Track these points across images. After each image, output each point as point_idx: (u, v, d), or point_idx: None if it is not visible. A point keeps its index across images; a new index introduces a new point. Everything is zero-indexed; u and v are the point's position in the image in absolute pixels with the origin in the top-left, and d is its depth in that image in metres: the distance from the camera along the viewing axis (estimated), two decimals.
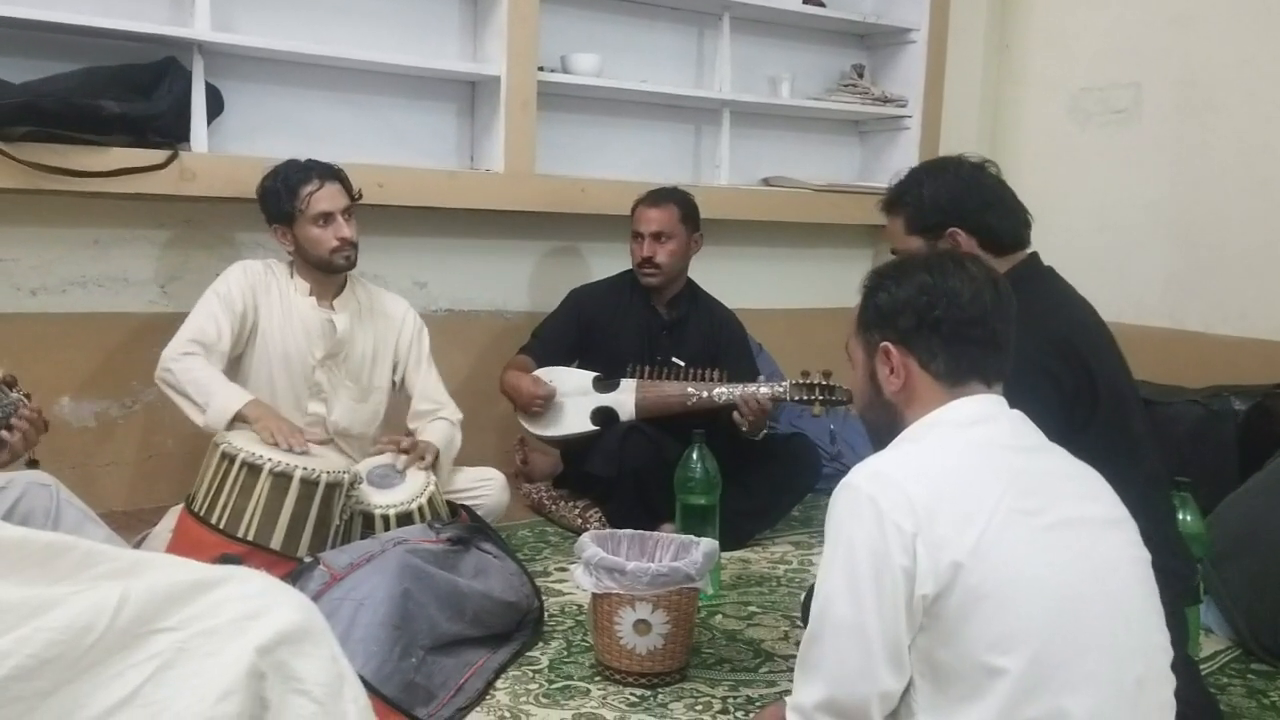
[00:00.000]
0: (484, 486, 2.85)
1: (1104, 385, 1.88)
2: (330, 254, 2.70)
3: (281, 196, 2.69)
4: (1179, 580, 1.90)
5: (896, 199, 2.05)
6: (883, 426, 1.50)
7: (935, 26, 4.24)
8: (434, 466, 2.72)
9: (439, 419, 2.87)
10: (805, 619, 1.50)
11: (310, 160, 2.75)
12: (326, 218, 2.68)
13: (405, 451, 2.67)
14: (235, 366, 2.71)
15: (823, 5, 4.08)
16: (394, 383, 2.94)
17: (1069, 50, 4.28)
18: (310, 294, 2.77)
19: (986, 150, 4.52)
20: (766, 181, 4.16)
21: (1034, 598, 1.27)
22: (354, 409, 2.84)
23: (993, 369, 1.45)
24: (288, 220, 2.70)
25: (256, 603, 1.18)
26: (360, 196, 2.81)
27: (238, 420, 2.50)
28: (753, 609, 2.59)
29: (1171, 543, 1.91)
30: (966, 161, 2.03)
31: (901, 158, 4.30)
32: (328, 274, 2.77)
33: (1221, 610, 2.48)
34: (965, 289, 1.43)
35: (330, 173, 2.73)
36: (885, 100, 4.25)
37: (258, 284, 2.73)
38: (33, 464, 2.19)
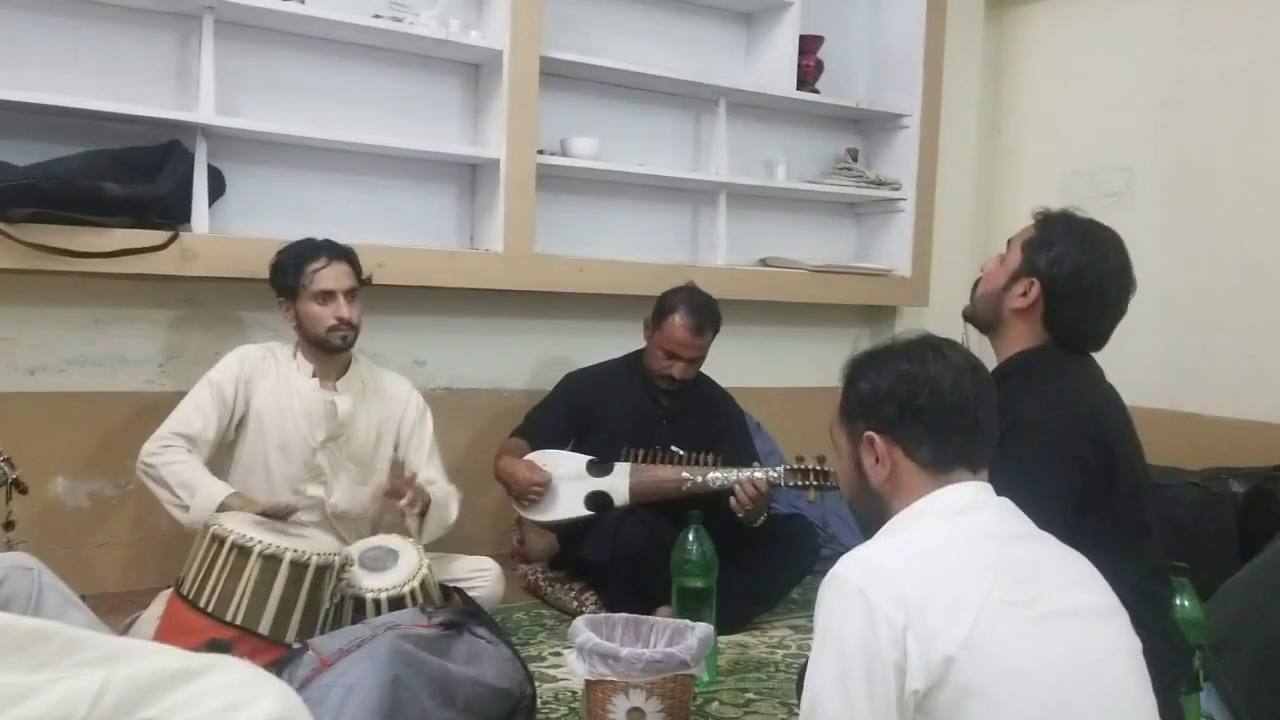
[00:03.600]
0: (479, 577, 2.82)
1: (1124, 470, 1.88)
2: (326, 332, 2.72)
3: (288, 270, 2.72)
4: (1174, 668, 1.88)
5: (1051, 222, 2.01)
6: (871, 515, 1.49)
7: (928, 111, 4.30)
8: (423, 516, 2.70)
9: (439, 486, 2.86)
10: (800, 700, 1.47)
11: (324, 240, 2.79)
12: (327, 295, 2.71)
13: (408, 485, 2.67)
14: (229, 453, 2.70)
15: (816, 91, 4.15)
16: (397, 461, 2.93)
17: (1060, 134, 4.36)
18: (313, 375, 2.78)
19: (981, 232, 4.59)
20: (763, 262, 4.19)
21: (1027, 692, 1.25)
22: (354, 491, 2.83)
23: (978, 455, 1.45)
24: (291, 294, 2.73)
25: (238, 693, 1.16)
26: (370, 280, 2.83)
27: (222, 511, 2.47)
28: (750, 695, 2.55)
29: (1168, 631, 1.90)
30: (1113, 265, 1.97)
31: (896, 239, 4.36)
32: (325, 352, 2.78)
33: (1222, 697, 2.44)
34: (946, 376, 1.43)
35: (340, 252, 2.76)
36: (879, 183, 4.30)
37: (254, 371, 2.74)
38: (8, 525, 2.17)
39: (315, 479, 2.77)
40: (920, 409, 1.43)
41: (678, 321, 3.12)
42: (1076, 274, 1.95)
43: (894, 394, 1.45)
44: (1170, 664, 1.83)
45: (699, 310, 3.14)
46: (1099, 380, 2.01)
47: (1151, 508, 1.97)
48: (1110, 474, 1.86)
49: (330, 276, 2.72)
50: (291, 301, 2.74)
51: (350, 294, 2.74)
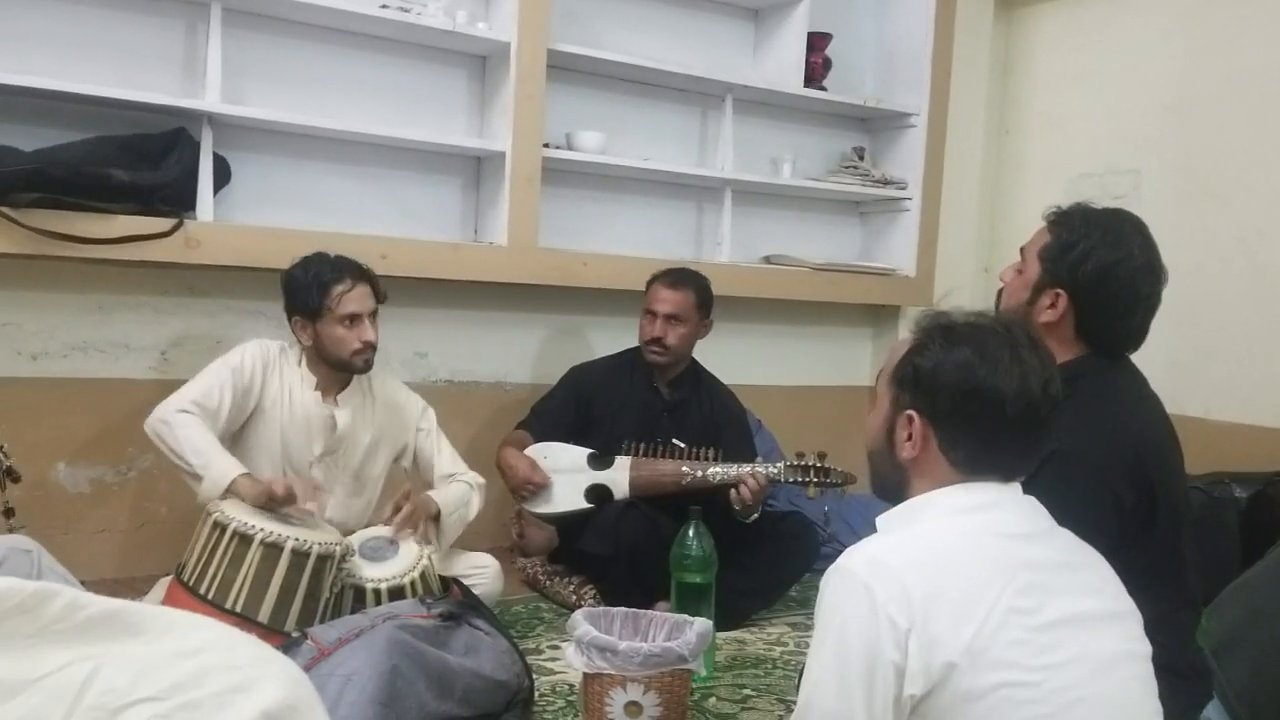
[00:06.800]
0: (479, 574, 2.81)
1: (1163, 504, 1.79)
2: (351, 356, 2.68)
3: (311, 291, 2.64)
4: (1197, 696, 1.85)
5: (1066, 223, 1.86)
6: (886, 479, 1.45)
7: (935, 111, 4.29)
8: (435, 523, 2.69)
9: (458, 481, 2.85)
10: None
11: (340, 257, 2.71)
12: (354, 319, 2.65)
13: (398, 509, 2.64)
14: (233, 444, 2.67)
15: (824, 89, 4.14)
16: (404, 470, 2.93)
17: (1068, 136, 4.35)
18: (315, 388, 2.74)
19: (987, 233, 4.58)
20: (767, 259, 4.18)
21: (1027, 700, 1.22)
22: (348, 504, 2.81)
23: (1014, 470, 1.38)
24: (313, 315, 2.66)
25: (243, 674, 1.13)
26: (385, 299, 2.77)
27: (230, 492, 2.45)
28: (748, 692, 2.54)
29: (1194, 662, 1.85)
30: (1142, 259, 1.82)
31: (901, 239, 4.35)
32: (340, 372, 2.74)
33: (1223, 702, 2.42)
34: (1011, 389, 1.33)
35: (362, 273, 2.70)
36: (885, 182, 4.29)
37: (270, 365, 2.71)
38: (8, 512, 2.17)
39: None
40: (973, 416, 1.35)
41: (656, 281, 3.24)
42: (1103, 275, 1.80)
43: (951, 389, 1.35)
44: (1196, 693, 1.80)
45: (676, 270, 3.27)
46: (1142, 392, 1.88)
47: (1190, 540, 1.87)
48: (1148, 510, 1.77)
49: (356, 300, 2.65)
50: (310, 322, 2.67)
51: (373, 315, 2.71)
